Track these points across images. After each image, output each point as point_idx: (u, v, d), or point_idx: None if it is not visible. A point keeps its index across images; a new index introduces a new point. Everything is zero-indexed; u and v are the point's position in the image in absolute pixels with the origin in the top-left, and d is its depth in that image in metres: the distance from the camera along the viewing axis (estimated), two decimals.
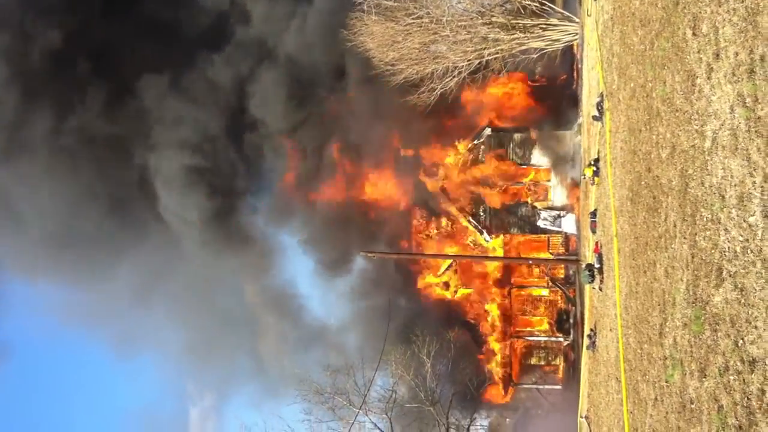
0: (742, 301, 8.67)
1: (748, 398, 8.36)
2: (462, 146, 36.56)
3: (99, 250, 39.27)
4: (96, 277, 40.58)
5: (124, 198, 38.89)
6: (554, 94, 35.61)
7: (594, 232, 21.91)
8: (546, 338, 37.57)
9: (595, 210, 21.90)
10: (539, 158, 36.00)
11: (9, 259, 40.64)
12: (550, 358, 37.75)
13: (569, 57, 33.26)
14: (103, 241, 39.01)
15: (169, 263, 40.72)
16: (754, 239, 8.53)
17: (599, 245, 20.58)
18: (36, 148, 36.52)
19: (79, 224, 37.96)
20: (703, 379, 9.71)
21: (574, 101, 33.41)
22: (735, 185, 9.07)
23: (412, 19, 30.07)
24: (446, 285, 38.21)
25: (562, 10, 29.97)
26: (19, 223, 37.72)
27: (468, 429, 36.72)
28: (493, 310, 37.92)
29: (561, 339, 36.69)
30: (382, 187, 37.19)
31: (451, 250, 37.79)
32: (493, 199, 36.60)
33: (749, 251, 8.61)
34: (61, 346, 74.99)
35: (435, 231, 38.08)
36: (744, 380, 8.49)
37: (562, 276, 36.42)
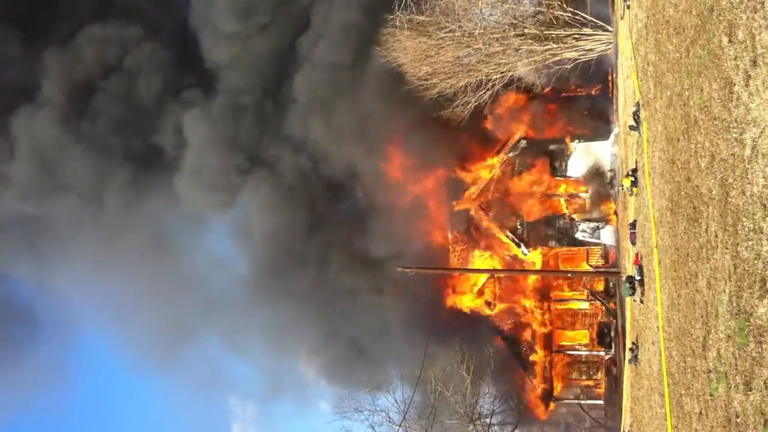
0: None
1: None
2: (497, 159, 36.39)
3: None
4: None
5: None
6: (589, 104, 35.28)
7: (634, 243, 21.60)
8: (587, 352, 37.04)
9: (635, 221, 21.60)
10: (576, 169, 35.63)
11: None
12: (591, 373, 37.18)
13: (604, 66, 32.96)
14: None
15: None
16: None
17: (639, 257, 20.27)
18: None
19: None
20: (749, 393, 9.47)
21: (610, 111, 33.08)
22: None
23: (445, 33, 30.15)
24: (486, 301, 37.90)
25: (595, 19, 29.77)
26: None
27: None
28: (533, 325, 37.53)
29: (602, 353, 36.14)
30: (417, 202, 37.08)
31: (489, 264, 37.53)
32: (531, 210, 36.33)
33: None
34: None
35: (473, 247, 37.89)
36: None
37: (602, 288, 35.90)
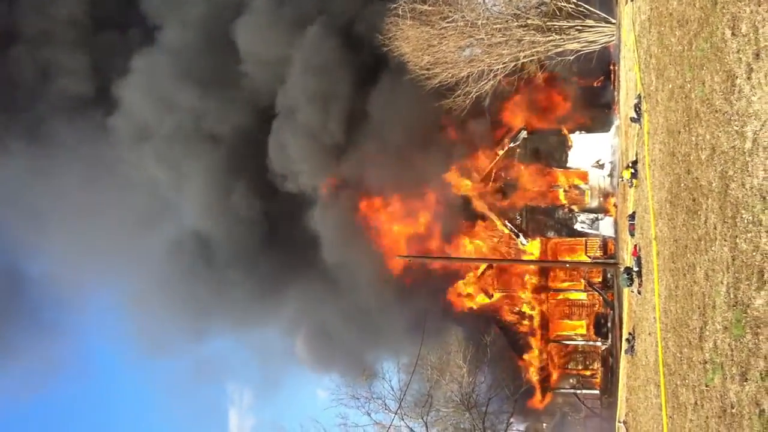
0: None
1: None
2: (498, 149, 36.39)
3: None
4: None
5: None
6: (591, 96, 35.27)
7: (632, 235, 21.68)
8: (584, 342, 37.19)
9: (634, 213, 21.68)
10: (576, 161, 35.65)
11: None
12: (588, 363, 37.36)
13: (606, 58, 32.95)
14: None
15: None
16: None
17: (638, 248, 20.36)
18: None
19: None
20: (744, 383, 9.57)
21: (611, 103, 33.09)
22: None
23: (447, 22, 30.09)
24: (483, 290, 37.97)
25: (598, 11, 29.75)
26: None
27: None
28: (530, 314, 37.65)
29: (599, 343, 36.29)
30: (415, 194, 37.00)
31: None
32: (530, 200, 36.38)
33: None
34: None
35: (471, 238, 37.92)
36: None
37: (600, 279, 36.01)
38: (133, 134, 38.58)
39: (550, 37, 29.54)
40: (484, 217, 37.45)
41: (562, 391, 37.53)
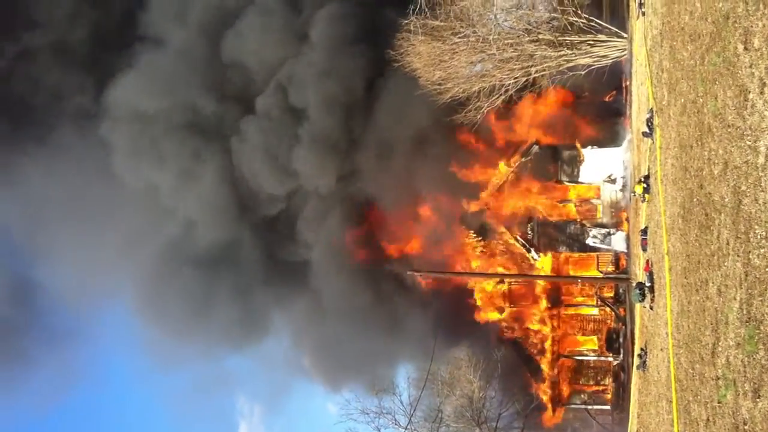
0: None
1: None
2: (508, 164, 36.36)
3: None
4: None
5: None
6: (602, 111, 35.23)
7: (645, 250, 21.58)
8: (595, 358, 36.96)
9: (646, 228, 21.58)
10: (588, 175, 35.58)
11: None
12: (599, 378, 37.12)
13: (618, 73, 32.95)
14: None
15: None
16: None
17: (650, 263, 20.25)
18: None
19: None
20: (757, 400, 9.48)
21: (623, 117, 33.04)
22: None
23: (459, 38, 30.21)
24: (494, 304, 37.83)
25: (609, 26, 29.78)
26: None
27: None
28: (542, 329, 37.48)
29: (611, 359, 36.06)
30: (426, 210, 36.98)
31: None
32: (542, 215, 36.29)
33: None
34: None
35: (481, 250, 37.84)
36: None
37: (612, 295, 35.81)
38: (137, 145, 38.83)
39: (562, 52, 29.59)
40: (495, 232, 37.40)
41: (573, 406, 37.28)
